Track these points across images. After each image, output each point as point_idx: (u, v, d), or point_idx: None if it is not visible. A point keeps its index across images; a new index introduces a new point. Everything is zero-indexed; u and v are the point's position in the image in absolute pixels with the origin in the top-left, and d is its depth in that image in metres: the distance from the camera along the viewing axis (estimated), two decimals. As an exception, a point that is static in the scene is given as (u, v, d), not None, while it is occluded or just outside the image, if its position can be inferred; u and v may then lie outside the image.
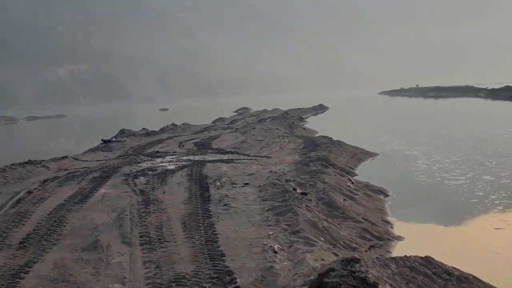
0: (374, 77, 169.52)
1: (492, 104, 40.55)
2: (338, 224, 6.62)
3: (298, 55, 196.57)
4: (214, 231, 5.95)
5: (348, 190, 8.64)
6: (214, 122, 29.83)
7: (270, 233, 5.79)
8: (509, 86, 50.37)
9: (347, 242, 5.94)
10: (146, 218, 6.64)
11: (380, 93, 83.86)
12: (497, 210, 7.73)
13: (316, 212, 6.78)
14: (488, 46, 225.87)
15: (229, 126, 24.17)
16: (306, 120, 31.33)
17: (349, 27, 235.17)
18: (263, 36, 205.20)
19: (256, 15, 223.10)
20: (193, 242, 5.57)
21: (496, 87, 53.32)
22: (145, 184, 9.11)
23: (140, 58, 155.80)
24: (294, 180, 8.79)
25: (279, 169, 10.14)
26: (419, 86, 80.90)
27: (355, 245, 5.89)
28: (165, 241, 5.65)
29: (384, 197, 8.98)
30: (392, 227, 6.96)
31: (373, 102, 59.31)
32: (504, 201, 8.15)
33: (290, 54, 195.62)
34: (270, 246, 5.28)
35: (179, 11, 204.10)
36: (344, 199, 7.88)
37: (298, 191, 7.78)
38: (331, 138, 15.05)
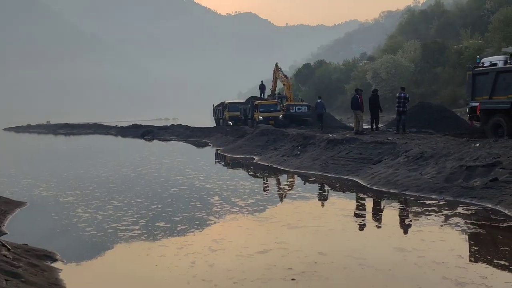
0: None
1: (124, 140, 41.69)
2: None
3: None
4: None
5: (6, 262, 6.32)
6: None
7: None
8: (136, 124, 53.26)
9: None
10: None
11: (5, 129, 76.55)
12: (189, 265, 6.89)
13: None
14: (112, 85, 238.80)
15: None
16: None
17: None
18: None
19: None
20: None
21: (125, 125, 55.50)
22: None
23: None
24: None
25: None
26: (50, 122, 77.57)
27: None
28: None
29: (51, 263, 7.06)
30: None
31: (-1, 139, 53.27)
32: (188, 254, 7.39)
33: None
34: None
35: None
36: (6, 280, 5.59)
37: None
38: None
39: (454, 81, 48.52)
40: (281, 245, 7.45)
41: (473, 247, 7.16)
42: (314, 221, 9.04)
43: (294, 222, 8.91)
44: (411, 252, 6.87)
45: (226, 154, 23.18)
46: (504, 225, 8.07)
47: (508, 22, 44.34)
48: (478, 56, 22.40)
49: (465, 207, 9.45)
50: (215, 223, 9.26)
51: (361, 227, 8.82)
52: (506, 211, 8.81)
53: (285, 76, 40.52)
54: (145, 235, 8.41)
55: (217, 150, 26.03)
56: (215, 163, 21.78)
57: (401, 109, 19.40)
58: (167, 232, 8.61)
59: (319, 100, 27.61)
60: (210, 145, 30.19)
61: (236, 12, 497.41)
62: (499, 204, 9.28)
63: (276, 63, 41.03)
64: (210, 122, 62.82)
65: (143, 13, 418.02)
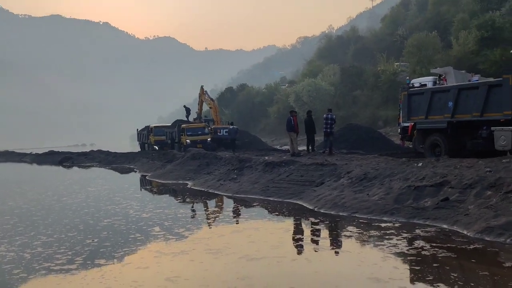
0: None
1: (41, 168, 39.08)
2: None
3: None
4: None
5: None
6: None
7: None
8: (52, 150, 50.48)
9: None
10: None
11: None
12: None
13: None
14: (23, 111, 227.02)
15: None
16: None
17: None
18: None
19: None
20: None
21: (40, 152, 52.43)
22: None
23: None
24: None
25: None
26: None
27: None
28: None
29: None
30: None
31: None
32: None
33: None
34: None
35: None
36: None
37: None
38: None
39: (372, 103, 50.31)
40: (245, 282, 6.71)
41: (452, 274, 6.78)
42: (273, 250, 8.37)
43: (252, 253, 8.19)
44: (389, 282, 6.39)
45: (157, 180, 22.03)
46: (470, 247, 7.83)
47: (420, 47, 46.80)
48: (408, 78, 23.06)
49: (422, 229, 9.19)
50: (163, 258, 8.33)
51: (326, 255, 8.26)
52: (465, 232, 8.63)
53: (211, 99, 40.04)
54: (85, 277, 7.34)
55: (144, 176, 24.76)
56: (146, 189, 20.56)
57: (328, 130, 19.38)
58: (111, 271, 7.59)
59: (231, 126, 28.44)
60: (135, 171, 28.78)
61: (154, 36, 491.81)
62: (455, 224, 9.11)
63: (202, 86, 40.49)
64: (131, 147, 60.77)
65: (57, 36, 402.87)
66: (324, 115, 19.77)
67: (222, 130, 34.98)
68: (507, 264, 7.03)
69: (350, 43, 77.30)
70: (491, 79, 15.56)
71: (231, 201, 15.06)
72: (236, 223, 11.70)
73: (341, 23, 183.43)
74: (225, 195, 15.92)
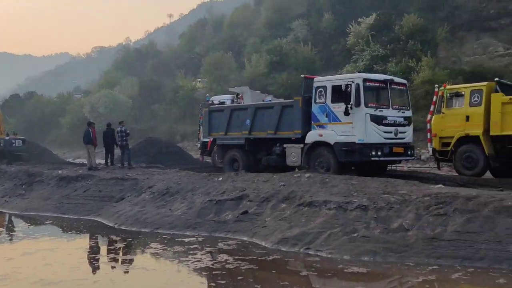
0: None
1: None
2: None
3: None
4: None
5: None
6: None
7: None
8: None
9: None
10: None
11: None
12: None
13: None
14: None
15: None
16: None
17: None
18: None
19: None
20: None
21: None
22: None
23: None
24: None
25: None
26: None
27: None
28: None
29: None
30: None
31: None
32: None
33: None
34: None
35: None
36: None
37: None
38: None
39: (171, 118, 50.83)
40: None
41: (256, 285, 7.06)
42: (73, 273, 7.73)
43: (48, 277, 7.43)
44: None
45: None
46: (269, 258, 8.28)
47: (217, 66, 49.06)
48: (207, 95, 23.78)
49: (225, 242, 9.46)
50: None
51: (130, 275, 7.92)
52: (263, 243, 9.12)
53: (-6, 106, 35.84)
54: None
55: None
56: None
57: (124, 143, 18.89)
58: None
59: (7, 137, 26.65)
60: None
61: None
62: (254, 236, 9.58)
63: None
64: None
65: None
66: (117, 129, 19.10)
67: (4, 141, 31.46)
68: (303, 273, 7.62)
69: (148, 56, 77.11)
70: (283, 100, 16.93)
71: (20, 220, 13.60)
72: (27, 244, 10.56)
73: (139, 36, 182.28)
74: (12, 213, 14.33)
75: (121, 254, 9.58)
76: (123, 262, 8.89)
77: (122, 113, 52.80)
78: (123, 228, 11.40)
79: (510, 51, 30.78)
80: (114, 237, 10.59)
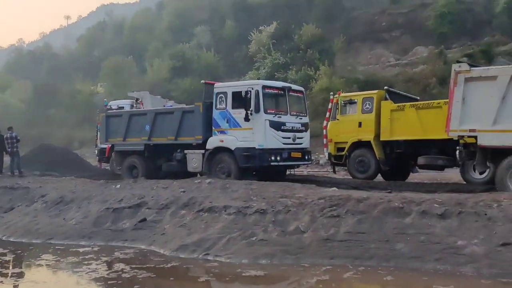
0: None
1: None
2: None
3: None
4: None
5: None
6: None
7: None
8: None
9: None
10: None
11: None
12: None
13: None
14: None
15: None
16: None
17: None
18: None
19: None
20: None
21: None
22: None
23: None
24: None
25: None
26: None
27: None
28: None
29: None
30: None
31: None
32: None
33: None
34: None
35: None
36: None
37: None
38: None
39: (68, 123, 48.59)
40: None
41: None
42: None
43: None
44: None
45: None
46: (168, 265, 8.15)
47: (117, 70, 47.73)
48: (105, 99, 22.97)
49: (122, 251, 9.19)
50: None
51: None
52: (162, 251, 8.97)
53: None
54: None
55: None
56: None
57: (14, 149, 17.78)
58: None
59: None
60: None
61: None
62: (152, 244, 9.40)
63: None
64: None
65: None
66: (6, 135, 17.91)
67: None
68: (201, 279, 7.59)
69: (43, 59, 73.21)
70: (184, 106, 16.79)
71: None
72: None
73: (33, 38, 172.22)
74: None
75: (9, 267, 8.97)
76: (12, 276, 8.31)
77: (14, 118, 49.60)
78: (11, 240, 10.75)
79: (400, 62, 33.03)
80: (1, 250, 9.88)
